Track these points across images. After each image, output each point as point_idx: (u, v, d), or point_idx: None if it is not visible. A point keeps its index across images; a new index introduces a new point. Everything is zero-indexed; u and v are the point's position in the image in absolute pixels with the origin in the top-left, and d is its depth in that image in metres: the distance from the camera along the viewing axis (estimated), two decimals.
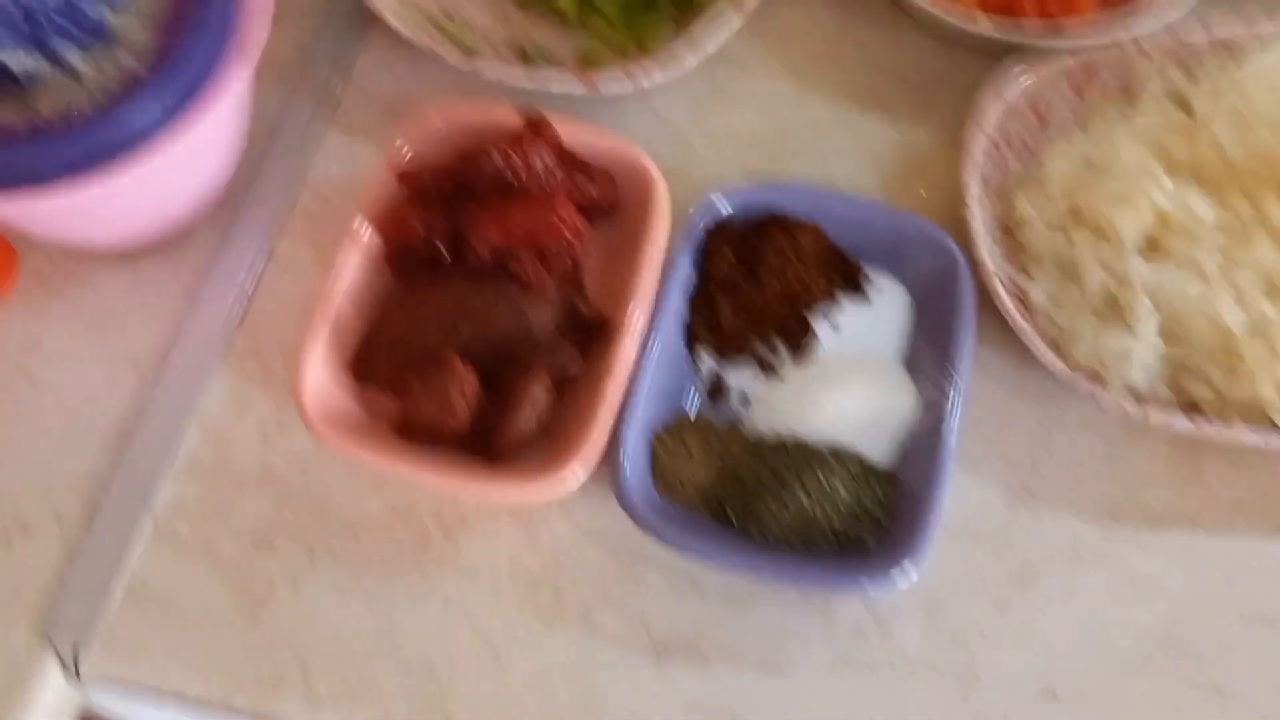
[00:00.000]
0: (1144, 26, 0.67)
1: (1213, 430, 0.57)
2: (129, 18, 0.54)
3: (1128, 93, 0.68)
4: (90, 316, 0.63)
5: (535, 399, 0.55)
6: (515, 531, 0.58)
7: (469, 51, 0.68)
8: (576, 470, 0.54)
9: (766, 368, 0.60)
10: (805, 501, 0.55)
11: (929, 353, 0.60)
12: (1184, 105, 0.67)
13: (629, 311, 0.57)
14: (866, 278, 0.62)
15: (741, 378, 0.60)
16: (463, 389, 0.54)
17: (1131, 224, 0.60)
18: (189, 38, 0.54)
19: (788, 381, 0.60)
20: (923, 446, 0.57)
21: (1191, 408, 0.60)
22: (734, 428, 0.59)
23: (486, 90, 0.69)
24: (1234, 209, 0.60)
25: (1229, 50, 0.68)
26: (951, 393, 0.57)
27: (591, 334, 0.59)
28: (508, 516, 0.59)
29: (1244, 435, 0.57)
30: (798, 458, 0.56)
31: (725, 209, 0.62)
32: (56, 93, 0.53)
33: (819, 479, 0.55)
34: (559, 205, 0.58)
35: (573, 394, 0.58)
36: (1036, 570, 0.58)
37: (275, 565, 0.57)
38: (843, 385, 0.59)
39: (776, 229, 0.61)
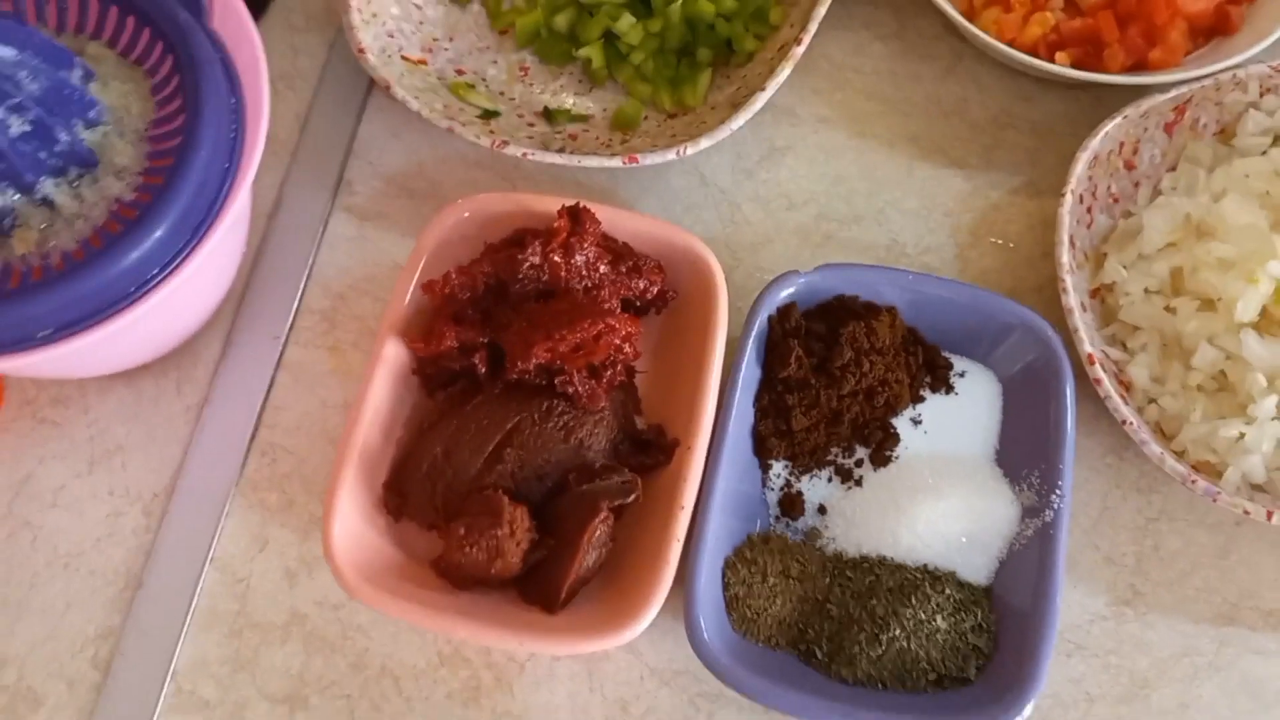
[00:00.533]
0: (1240, 57, 0.60)
1: None
2: (111, 136, 0.47)
3: (1223, 131, 0.62)
4: (85, 447, 0.56)
5: (596, 541, 0.49)
6: (575, 673, 0.53)
7: (486, 115, 0.61)
8: (645, 617, 0.48)
9: (844, 475, 0.54)
10: (901, 637, 0.49)
11: (1025, 449, 0.54)
12: None
13: (692, 427, 0.51)
14: (949, 366, 0.56)
15: (817, 487, 0.54)
16: (514, 535, 0.48)
17: (1245, 297, 0.53)
18: (181, 152, 0.47)
19: (869, 490, 0.54)
20: (1025, 561, 0.51)
21: None
22: (811, 545, 0.53)
23: (509, 160, 0.62)
24: None
25: None
26: (1055, 500, 0.51)
27: (650, 452, 0.53)
28: (567, 657, 0.53)
29: None
30: (890, 586, 0.51)
31: (789, 296, 0.55)
32: (36, 230, 0.46)
33: (915, 610, 0.50)
34: (608, 311, 0.51)
35: (632, 519, 0.52)
36: (1147, 682, 0.53)
37: None
38: (931, 493, 0.53)
39: (848, 316, 0.55)
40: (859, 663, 0.50)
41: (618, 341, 0.51)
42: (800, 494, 0.54)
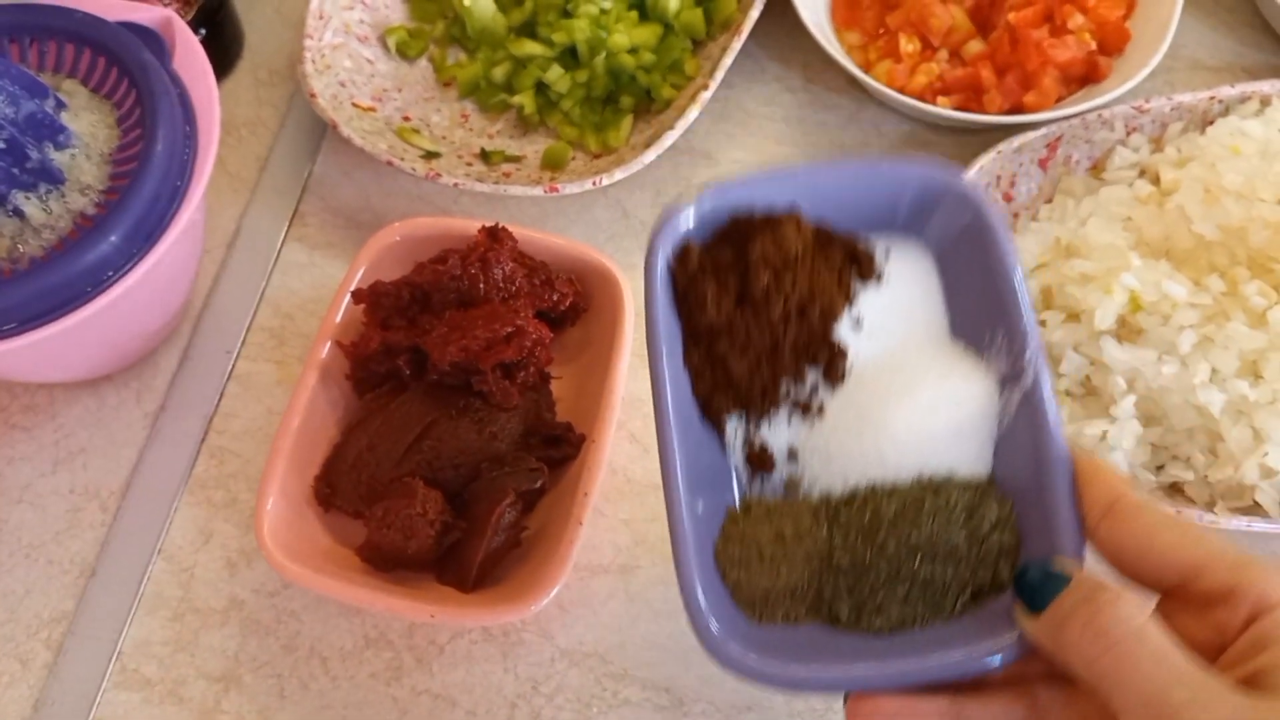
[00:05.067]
0: (1106, 98, 0.66)
1: (1194, 515, 0.56)
2: (79, 158, 0.54)
3: (1095, 167, 0.68)
4: (51, 450, 0.62)
5: (503, 524, 0.54)
6: (491, 654, 0.57)
7: (429, 155, 0.68)
8: (547, 592, 0.52)
9: (804, 409, 0.48)
10: (923, 565, 0.44)
11: (978, 316, 0.48)
12: (1151, 175, 0.66)
13: (597, 422, 0.56)
14: (874, 254, 0.50)
15: (779, 431, 0.48)
16: (427, 515, 0.53)
17: (1102, 306, 0.59)
18: (139, 172, 0.53)
19: (833, 416, 0.47)
20: (1020, 435, 0.45)
21: (1175, 490, 0.59)
22: (795, 498, 0.48)
23: (447, 195, 0.69)
24: (1207, 287, 0.59)
25: (1191, 115, 0.67)
26: (1030, 357, 0.45)
27: (559, 445, 0.58)
28: (483, 640, 0.57)
29: (1226, 522, 0.55)
30: (892, 515, 0.45)
31: (683, 236, 0.49)
32: (8, 238, 0.52)
33: (926, 530, 0.44)
34: (520, 315, 0.57)
35: (544, 509, 0.57)
36: None
37: (245, 702, 0.56)
38: (900, 394, 0.47)
39: (751, 235, 0.49)
40: (886, 608, 0.44)
41: (528, 344, 0.57)
42: (765, 445, 0.48)
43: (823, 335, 0.48)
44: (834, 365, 0.48)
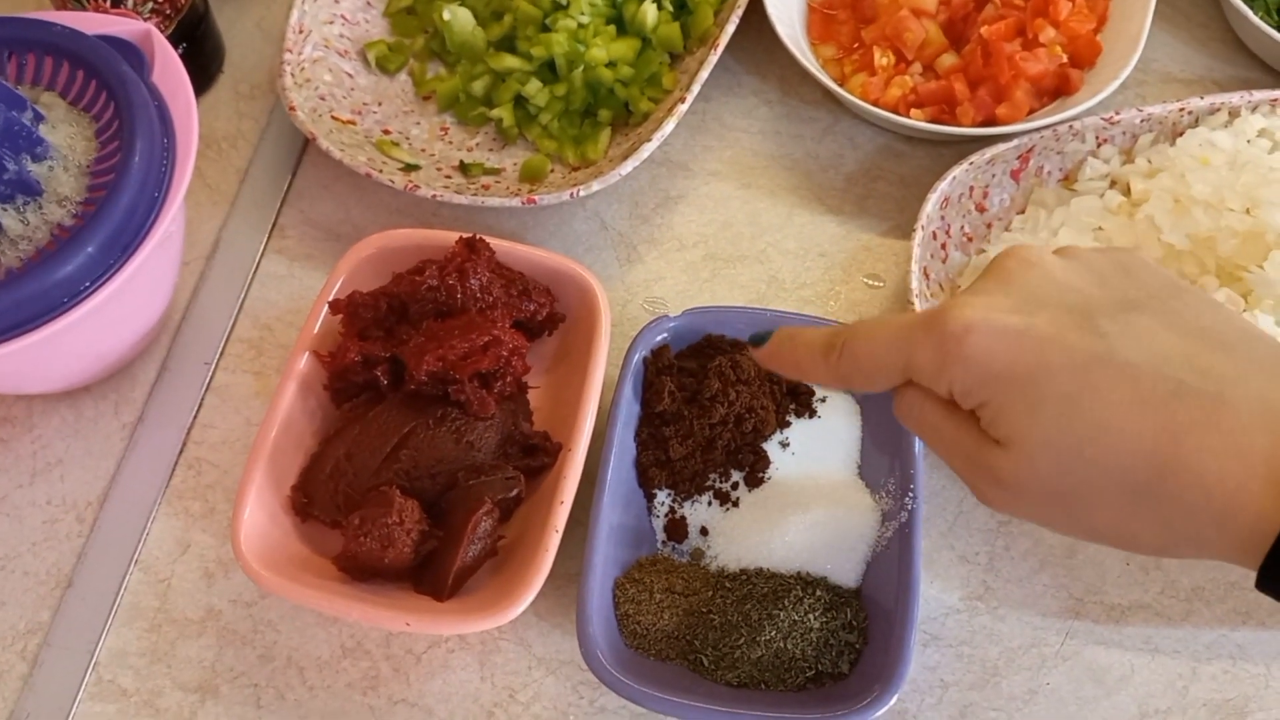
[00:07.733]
0: (1077, 110, 0.67)
1: None
2: (56, 170, 0.54)
3: (1066, 178, 0.69)
4: (29, 461, 0.62)
5: (480, 532, 0.54)
6: (468, 663, 0.57)
7: (408, 168, 0.68)
8: (523, 600, 0.52)
9: (722, 498, 0.59)
10: (778, 638, 0.53)
11: (882, 460, 0.59)
12: (1122, 186, 0.67)
13: (574, 432, 0.57)
14: (811, 392, 0.61)
15: (698, 511, 0.59)
16: (404, 524, 0.53)
17: None
18: (116, 184, 0.53)
19: (745, 509, 0.58)
20: (887, 561, 0.56)
21: None
22: (696, 564, 0.57)
23: (426, 207, 0.69)
24: None
25: (1161, 127, 0.68)
26: (909, 501, 0.56)
27: (536, 454, 0.58)
28: (460, 648, 0.57)
29: None
30: (764, 592, 0.55)
31: (662, 339, 0.61)
32: None
33: (788, 612, 0.54)
34: (497, 325, 0.57)
35: (520, 517, 0.57)
36: (998, 671, 0.57)
37: (221, 713, 0.56)
38: (801, 507, 0.57)
39: (715, 353, 0.60)
40: (740, 665, 0.54)
41: (505, 354, 0.57)
42: (684, 519, 0.58)
43: (752, 445, 0.59)
44: (756, 471, 0.59)
